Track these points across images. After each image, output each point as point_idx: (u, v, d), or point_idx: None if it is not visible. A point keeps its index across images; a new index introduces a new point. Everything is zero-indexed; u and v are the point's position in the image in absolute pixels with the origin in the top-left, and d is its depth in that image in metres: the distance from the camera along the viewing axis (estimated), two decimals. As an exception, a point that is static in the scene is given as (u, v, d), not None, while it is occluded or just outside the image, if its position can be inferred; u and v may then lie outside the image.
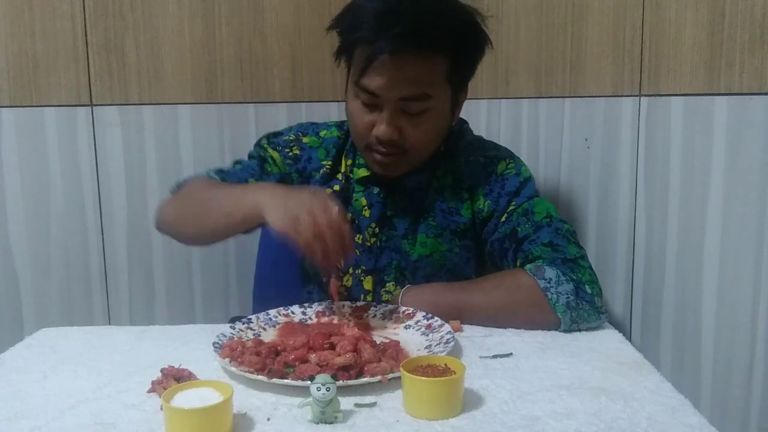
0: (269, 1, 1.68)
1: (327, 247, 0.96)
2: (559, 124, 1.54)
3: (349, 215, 1.25)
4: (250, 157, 1.32)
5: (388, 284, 1.24)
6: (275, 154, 1.29)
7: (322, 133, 1.31)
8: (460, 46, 1.13)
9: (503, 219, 1.19)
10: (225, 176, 1.24)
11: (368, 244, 1.24)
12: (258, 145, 1.33)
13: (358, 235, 1.24)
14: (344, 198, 1.26)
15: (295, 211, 0.97)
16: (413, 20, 1.07)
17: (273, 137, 1.33)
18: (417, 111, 1.12)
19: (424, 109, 1.13)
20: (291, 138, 1.31)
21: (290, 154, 1.30)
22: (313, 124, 1.35)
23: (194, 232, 1.19)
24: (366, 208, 1.25)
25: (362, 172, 1.25)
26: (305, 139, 1.31)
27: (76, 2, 1.63)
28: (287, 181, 1.29)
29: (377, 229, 1.24)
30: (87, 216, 1.71)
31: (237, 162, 1.31)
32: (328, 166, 1.27)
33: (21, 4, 1.62)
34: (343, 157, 1.28)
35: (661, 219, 1.22)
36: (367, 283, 1.24)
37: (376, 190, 1.24)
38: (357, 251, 1.23)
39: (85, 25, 1.64)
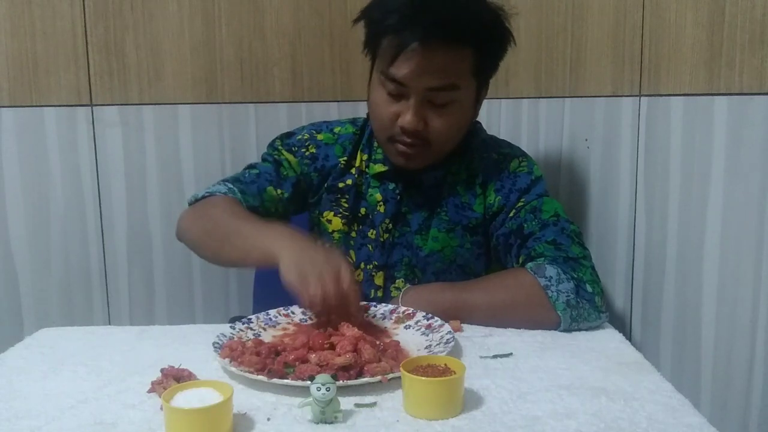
0: (269, 1, 1.68)
1: (330, 314, 0.97)
2: (559, 124, 1.54)
3: (364, 209, 1.26)
4: (264, 159, 1.31)
5: (398, 280, 1.25)
6: (290, 157, 1.29)
7: (336, 130, 1.32)
8: (487, 41, 1.15)
9: (511, 214, 1.20)
10: (244, 187, 1.24)
11: (381, 239, 1.25)
12: (272, 146, 1.32)
13: (371, 231, 1.26)
14: (357, 192, 1.27)
15: (306, 270, 0.96)
16: (442, 12, 1.09)
17: (286, 138, 1.33)
18: (443, 102, 1.14)
19: (449, 101, 1.14)
20: (305, 137, 1.31)
21: (307, 153, 1.29)
22: (325, 122, 1.35)
23: (212, 257, 1.19)
24: (381, 203, 1.25)
25: (379, 168, 1.26)
26: (320, 136, 1.31)
27: (76, 2, 1.64)
28: (306, 182, 1.29)
29: (391, 225, 1.25)
30: (87, 216, 1.71)
31: (252, 167, 1.30)
32: (343, 162, 1.28)
33: (21, 4, 1.62)
34: (359, 152, 1.29)
35: (661, 219, 1.22)
36: (378, 279, 1.25)
37: (391, 185, 1.25)
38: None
39: (85, 25, 1.64)
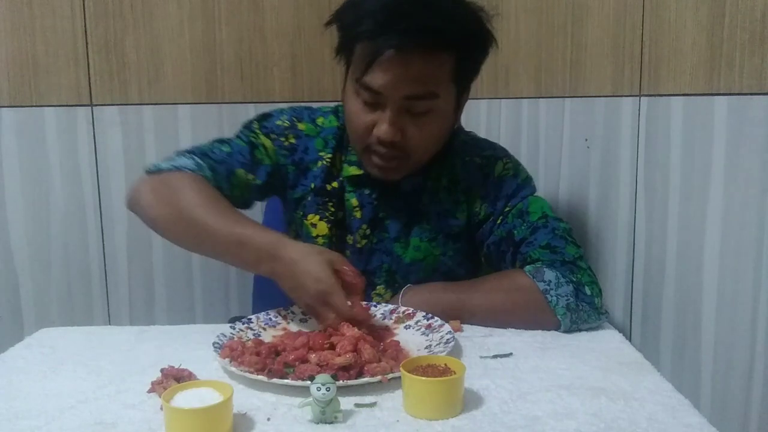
0: (269, 1, 1.68)
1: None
2: (559, 124, 1.54)
3: (341, 214, 1.21)
4: (238, 137, 1.23)
5: (378, 287, 1.22)
6: (267, 142, 1.22)
7: (318, 121, 1.25)
8: (467, 45, 1.09)
9: (498, 221, 1.17)
10: (214, 165, 1.16)
11: (358, 245, 1.21)
12: (248, 129, 1.24)
13: (348, 236, 1.22)
14: (339, 197, 1.22)
15: (312, 305, 0.99)
16: (419, 16, 1.03)
17: (264, 120, 1.24)
18: (421, 111, 1.08)
19: (428, 109, 1.08)
20: (285, 124, 1.24)
21: (285, 143, 1.23)
22: (307, 108, 1.27)
23: (183, 244, 1.12)
24: (357, 209, 1.21)
25: (353, 171, 1.20)
26: (301, 126, 1.24)
27: (76, 2, 1.64)
28: (281, 173, 1.23)
29: (368, 230, 1.21)
30: (87, 216, 1.71)
31: (223, 142, 1.21)
32: (327, 159, 1.22)
33: (21, 4, 1.63)
34: (338, 152, 1.23)
35: (661, 219, 1.22)
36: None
37: (367, 190, 1.21)
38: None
39: (85, 25, 1.65)
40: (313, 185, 1.22)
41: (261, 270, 1.04)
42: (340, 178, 1.22)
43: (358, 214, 1.21)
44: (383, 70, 1.04)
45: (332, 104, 1.29)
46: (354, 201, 1.21)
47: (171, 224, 1.11)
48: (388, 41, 1.02)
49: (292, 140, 1.23)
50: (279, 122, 1.24)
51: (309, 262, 0.98)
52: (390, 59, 1.03)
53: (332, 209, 1.22)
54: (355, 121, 1.12)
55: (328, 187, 1.22)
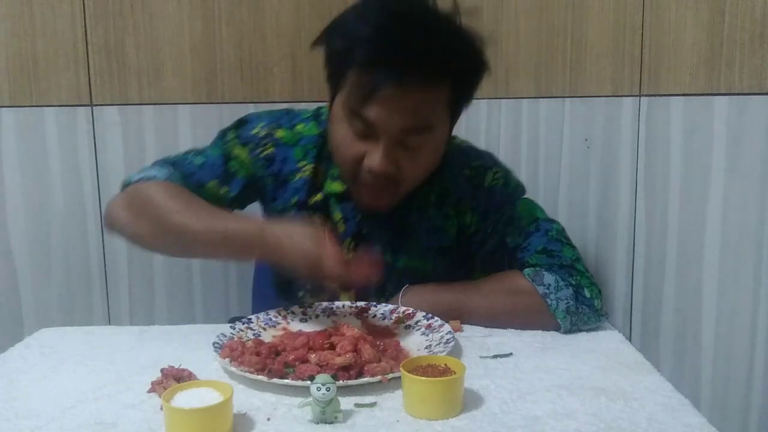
0: (269, 1, 1.68)
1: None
2: (559, 124, 1.54)
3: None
4: (213, 147, 1.20)
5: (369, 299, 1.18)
6: (243, 153, 1.17)
7: (298, 128, 1.19)
8: (464, 73, 1.05)
9: (489, 231, 1.16)
10: (186, 176, 1.14)
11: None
12: (222, 139, 1.20)
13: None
14: (324, 209, 1.17)
15: (312, 279, 0.98)
16: (419, 47, 0.98)
17: (240, 129, 1.20)
18: (416, 144, 1.04)
19: (423, 141, 1.05)
20: (262, 133, 1.18)
21: (263, 154, 1.17)
22: (287, 113, 1.22)
23: (169, 253, 1.12)
24: (341, 221, 1.17)
25: (336, 187, 1.16)
26: (279, 133, 1.18)
27: (76, 2, 1.63)
28: (258, 185, 1.19)
29: (353, 244, 1.17)
30: (87, 216, 1.71)
31: (197, 153, 1.18)
32: (308, 171, 1.17)
33: (21, 4, 1.62)
34: (320, 163, 1.18)
35: (661, 219, 1.23)
36: (344, 298, 1.17)
37: (351, 204, 1.16)
38: None
39: (85, 25, 1.64)
40: (295, 200, 1.18)
41: (253, 257, 1.04)
42: (324, 192, 1.18)
43: (342, 228, 1.17)
44: (381, 103, 1.00)
45: (313, 106, 1.26)
46: (338, 214, 1.17)
47: (153, 237, 1.08)
48: (388, 76, 0.97)
49: (270, 150, 1.18)
50: (255, 131, 1.19)
51: (293, 236, 0.97)
52: (389, 93, 0.98)
53: (318, 221, 1.17)
54: (345, 151, 1.07)
55: (311, 201, 1.17)
